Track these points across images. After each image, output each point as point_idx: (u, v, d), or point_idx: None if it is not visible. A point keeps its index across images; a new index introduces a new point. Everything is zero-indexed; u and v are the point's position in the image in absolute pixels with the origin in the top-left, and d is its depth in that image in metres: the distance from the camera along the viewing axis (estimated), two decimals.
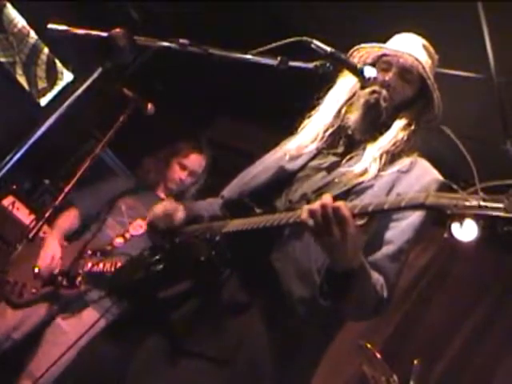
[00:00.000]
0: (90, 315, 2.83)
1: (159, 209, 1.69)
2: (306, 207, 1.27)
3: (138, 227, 3.03)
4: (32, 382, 2.64)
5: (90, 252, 2.94)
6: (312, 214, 1.25)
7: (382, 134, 1.65)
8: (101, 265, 2.86)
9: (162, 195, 3.25)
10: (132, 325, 1.57)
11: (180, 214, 1.68)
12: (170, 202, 1.74)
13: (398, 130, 1.64)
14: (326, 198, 1.26)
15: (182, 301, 1.50)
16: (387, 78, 1.67)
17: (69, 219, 3.09)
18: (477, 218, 1.09)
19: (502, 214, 1.05)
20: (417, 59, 1.66)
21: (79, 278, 2.85)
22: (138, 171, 3.41)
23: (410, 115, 1.67)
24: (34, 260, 2.89)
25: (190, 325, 1.46)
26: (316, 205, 1.25)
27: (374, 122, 1.66)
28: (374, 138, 1.64)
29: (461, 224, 3.67)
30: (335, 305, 1.40)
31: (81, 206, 3.11)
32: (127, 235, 3.02)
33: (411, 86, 1.70)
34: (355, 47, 1.76)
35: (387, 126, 1.66)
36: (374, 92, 1.66)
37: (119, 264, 2.80)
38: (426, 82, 1.67)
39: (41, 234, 2.89)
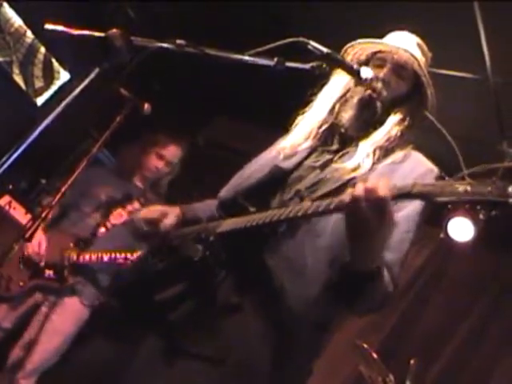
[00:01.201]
0: (72, 303, 2.92)
1: (143, 214, 1.68)
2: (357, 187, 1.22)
3: (119, 216, 3.07)
4: (19, 368, 2.71)
5: (72, 243, 2.97)
6: (368, 191, 1.19)
7: (375, 129, 1.64)
8: (86, 256, 2.90)
9: (139, 183, 3.34)
10: (130, 325, 1.57)
11: (168, 221, 1.66)
12: (158, 207, 1.72)
13: (391, 126, 1.64)
14: (383, 181, 1.22)
15: (178, 302, 1.50)
16: (382, 75, 1.67)
17: None
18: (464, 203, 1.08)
19: (489, 198, 1.05)
20: (412, 55, 1.66)
21: (66, 271, 2.89)
22: (117, 158, 3.47)
23: (404, 111, 1.67)
24: (18, 252, 2.90)
25: (187, 326, 1.45)
26: (371, 183, 1.21)
27: (369, 120, 1.66)
28: (367, 134, 1.64)
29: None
30: (346, 305, 1.41)
31: None
32: (108, 224, 3.07)
33: (406, 83, 1.70)
34: (349, 44, 1.75)
35: (381, 122, 1.65)
36: (368, 88, 1.65)
37: (104, 255, 2.85)
38: (421, 79, 1.67)
39: None
